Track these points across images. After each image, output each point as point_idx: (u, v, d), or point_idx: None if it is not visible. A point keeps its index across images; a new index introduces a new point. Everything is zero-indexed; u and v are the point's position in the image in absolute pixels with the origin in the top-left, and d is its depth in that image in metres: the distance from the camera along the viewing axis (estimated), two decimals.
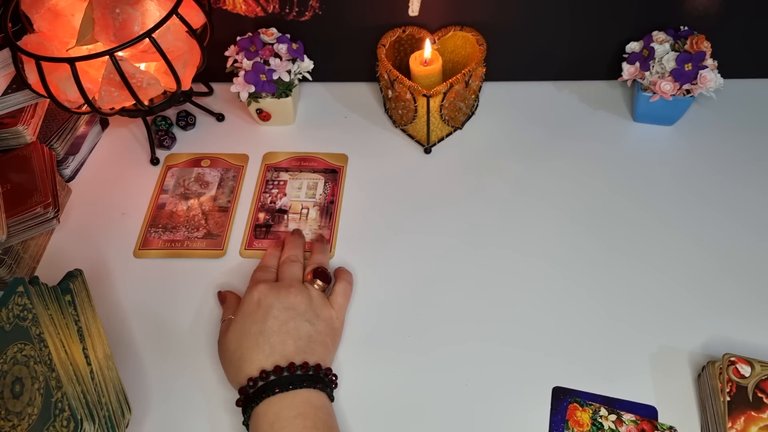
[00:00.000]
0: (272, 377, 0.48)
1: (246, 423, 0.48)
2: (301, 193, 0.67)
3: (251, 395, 0.48)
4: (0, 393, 0.47)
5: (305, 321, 0.51)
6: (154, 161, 0.71)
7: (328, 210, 0.66)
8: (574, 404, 0.51)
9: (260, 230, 0.65)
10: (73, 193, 0.70)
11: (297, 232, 0.63)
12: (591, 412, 0.51)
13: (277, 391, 0.47)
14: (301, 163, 0.70)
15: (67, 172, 0.70)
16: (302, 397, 0.47)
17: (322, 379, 0.49)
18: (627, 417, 0.50)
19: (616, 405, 0.51)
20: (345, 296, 0.56)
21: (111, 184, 0.70)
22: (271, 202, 0.67)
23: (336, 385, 0.52)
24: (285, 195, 0.67)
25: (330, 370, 0.51)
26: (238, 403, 0.49)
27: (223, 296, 0.58)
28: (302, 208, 0.66)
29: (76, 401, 0.44)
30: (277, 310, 0.51)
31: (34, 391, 0.46)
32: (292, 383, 0.47)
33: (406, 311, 0.58)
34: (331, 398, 0.50)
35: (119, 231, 0.65)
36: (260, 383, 0.48)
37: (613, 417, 0.50)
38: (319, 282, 0.55)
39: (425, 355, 0.55)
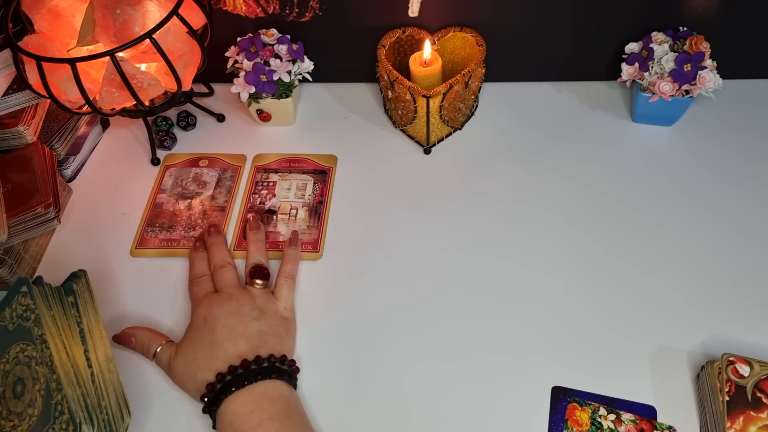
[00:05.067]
0: (228, 377, 0.49)
1: (215, 427, 0.49)
2: (290, 194, 0.67)
3: (212, 399, 0.49)
4: (2, 393, 0.47)
5: (252, 319, 0.53)
6: (155, 162, 0.71)
7: (317, 210, 0.66)
8: (574, 404, 0.51)
9: None
10: (74, 193, 0.70)
11: (216, 231, 0.63)
12: (590, 411, 0.51)
13: (233, 390, 0.48)
14: (291, 164, 0.70)
15: (68, 172, 0.70)
16: (257, 390, 0.48)
17: (277, 369, 0.50)
18: (626, 416, 0.50)
19: (615, 404, 0.51)
20: (288, 287, 0.58)
21: (112, 184, 0.70)
22: (260, 203, 0.67)
23: (297, 369, 0.53)
24: (274, 196, 0.67)
25: (285, 357, 0.52)
26: (204, 411, 0.50)
27: (127, 336, 0.55)
28: (291, 209, 0.66)
29: (76, 404, 0.44)
30: (224, 319, 0.53)
31: (35, 392, 0.46)
32: (247, 379, 0.49)
33: (405, 311, 0.58)
34: (293, 385, 0.51)
35: (120, 231, 0.66)
36: (218, 386, 0.49)
37: (612, 416, 0.50)
38: (258, 281, 0.57)
39: (425, 354, 0.55)
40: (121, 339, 0.55)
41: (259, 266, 0.59)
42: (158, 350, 0.54)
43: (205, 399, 0.49)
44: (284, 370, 0.51)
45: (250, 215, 0.65)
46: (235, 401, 0.48)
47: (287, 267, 0.59)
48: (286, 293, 0.57)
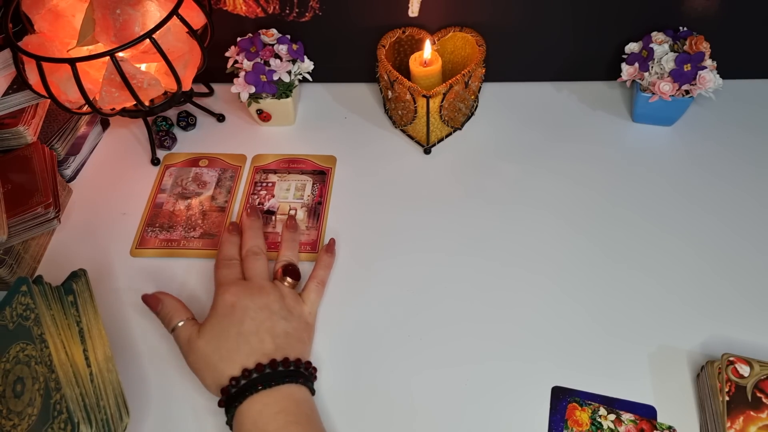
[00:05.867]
0: (254, 375, 0.48)
1: (229, 423, 0.48)
2: (289, 195, 0.67)
3: (234, 394, 0.48)
4: (2, 392, 0.47)
5: (281, 318, 0.52)
6: (155, 161, 0.71)
7: (316, 211, 0.66)
8: (574, 404, 0.51)
9: None
10: (74, 193, 0.70)
11: (254, 213, 0.61)
12: (590, 411, 0.51)
13: (260, 388, 0.47)
14: (290, 165, 0.70)
15: (68, 172, 0.70)
16: (284, 392, 0.48)
17: (302, 374, 0.50)
18: (626, 416, 0.50)
19: (615, 404, 0.51)
20: (317, 293, 0.57)
21: (112, 184, 0.70)
22: (259, 204, 0.67)
23: (315, 378, 0.53)
24: (273, 196, 0.67)
25: (309, 363, 0.52)
26: (220, 404, 0.49)
27: (156, 300, 0.55)
28: (290, 209, 0.66)
29: (74, 404, 0.45)
30: (252, 311, 0.51)
31: (34, 392, 0.46)
32: (274, 379, 0.48)
33: (405, 311, 0.58)
34: (312, 392, 0.51)
35: (120, 231, 0.66)
36: (243, 382, 0.48)
37: (612, 416, 0.50)
38: (289, 279, 0.56)
39: (425, 354, 0.55)
40: (149, 300, 0.55)
41: (294, 265, 0.58)
42: (180, 325, 0.52)
43: (226, 392, 0.48)
44: (307, 376, 0.51)
45: (290, 213, 0.64)
46: (261, 400, 0.47)
47: (320, 273, 0.58)
48: (313, 298, 0.56)
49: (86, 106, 0.61)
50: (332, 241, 0.62)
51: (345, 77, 0.78)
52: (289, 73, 0.69)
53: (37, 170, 0.63)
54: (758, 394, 0.47)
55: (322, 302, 0.59)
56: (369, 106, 0.76)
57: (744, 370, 0.48)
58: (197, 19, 0.63)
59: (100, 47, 0.60)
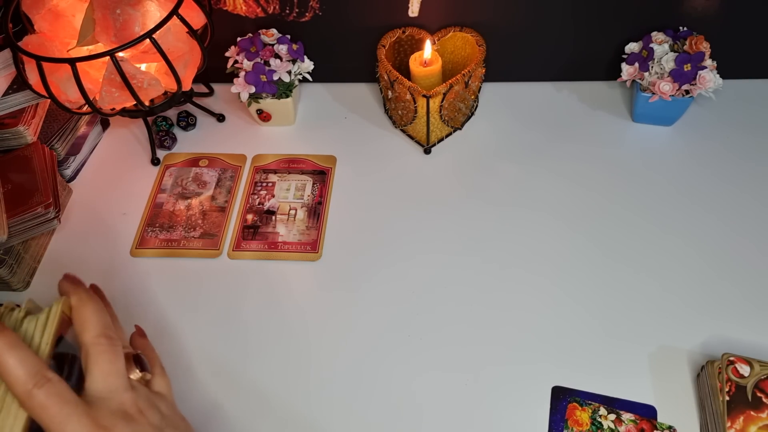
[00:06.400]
0: None
1: None
2: (289, 195, 0.67)
3: None
4: None
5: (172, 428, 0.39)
6: (155, 162, 0.71)
7: (316, 211, 0.66)
8: (574, 404, 0.51)
9: (248, 231, 0.65)
10: (74, 193, 0.70)
11: (78, 283, 0.40)
12: (590, 411, 0.51)
13: None
14: (290, 165, 0.70)
15: (68, 172, 0.70)
16: None
17: None
18: (626, 416, 0.50)
19: (615, 404, 0.51)
20: (163, 377, 0.43)
21: (112, 184, 0.70)
22: (259, 204, 0.67)
23: None
24: (273, 196, 0.67)
25: None
26: None
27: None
28: (290, 209, 0.66)
29: None
30: None
31: None
32: None
33: (405, 311, 0.58)
34: None
35: (120, 231, 0.66)
36: None
37: (612, 416, 0.50)
38: (137, 371, 0.41)
39: (425, 355, 0.55)
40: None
41: (137, 354, 0.42)
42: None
43: None
44: None
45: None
46: None
47: (151, 354, 0.44)
48: (167, 385, 0.43)
49: (86, 106, 0.61)
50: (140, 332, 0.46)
51: (345, 77, 0.78)
52: (289, 73, 0.69)
53: (37, 170, 0.63)
54: (758, 394, 0.47)
55: (320, 302, 0.59)
56: (369, 106, 0.76)
57: (744, 369, 0.48)
58: (197, 19, 0.63)
59: (100, 47, 0.60)
